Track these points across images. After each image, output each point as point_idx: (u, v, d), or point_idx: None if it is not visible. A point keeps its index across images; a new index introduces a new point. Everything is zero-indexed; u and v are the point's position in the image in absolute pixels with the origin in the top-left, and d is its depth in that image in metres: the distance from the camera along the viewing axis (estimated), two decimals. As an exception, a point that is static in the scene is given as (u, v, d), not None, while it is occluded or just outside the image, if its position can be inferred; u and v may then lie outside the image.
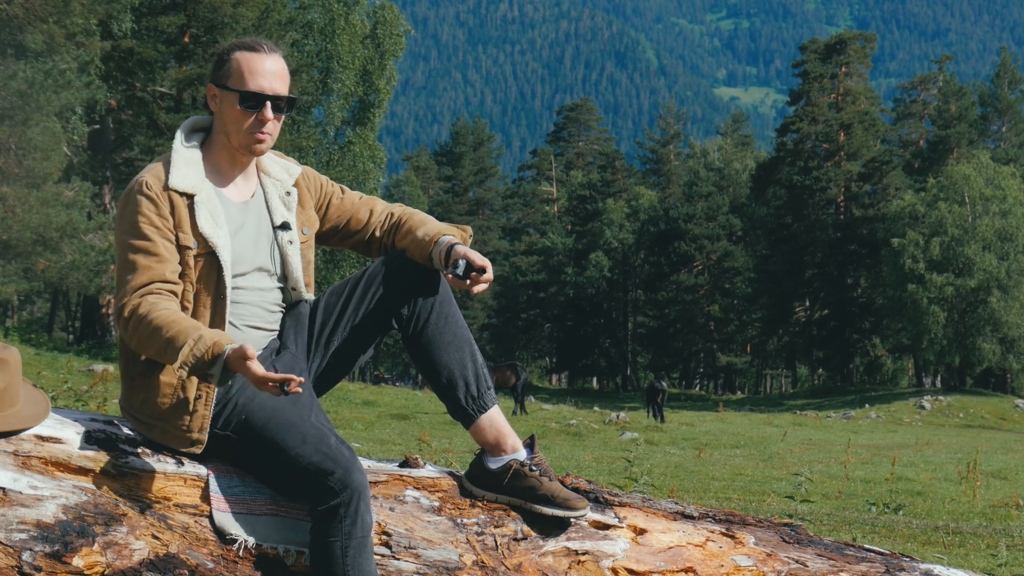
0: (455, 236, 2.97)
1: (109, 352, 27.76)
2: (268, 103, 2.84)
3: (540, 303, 69.91)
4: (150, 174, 2.81)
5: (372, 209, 3.13)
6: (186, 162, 2.84)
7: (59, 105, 23.42)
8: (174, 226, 2.78)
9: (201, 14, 30.29)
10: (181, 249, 2.79)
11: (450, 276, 2.87)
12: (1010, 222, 47.72)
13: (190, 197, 2.81)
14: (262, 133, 2.85)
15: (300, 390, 2.59)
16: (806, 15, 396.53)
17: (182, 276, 2.80)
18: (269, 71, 2.85)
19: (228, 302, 2.84)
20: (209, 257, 2.82)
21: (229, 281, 2.84)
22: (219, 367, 2.59)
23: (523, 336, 71.11)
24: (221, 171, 2.91)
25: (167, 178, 2.80)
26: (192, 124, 2.93)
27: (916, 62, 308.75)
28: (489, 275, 2.87)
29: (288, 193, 3.01)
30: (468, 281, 2.86)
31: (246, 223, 2.92)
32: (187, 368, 2.60)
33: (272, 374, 2.57)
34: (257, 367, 2.57)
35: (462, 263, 2.85)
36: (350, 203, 3.13)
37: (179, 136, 2.89)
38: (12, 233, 22.51)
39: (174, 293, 2.76)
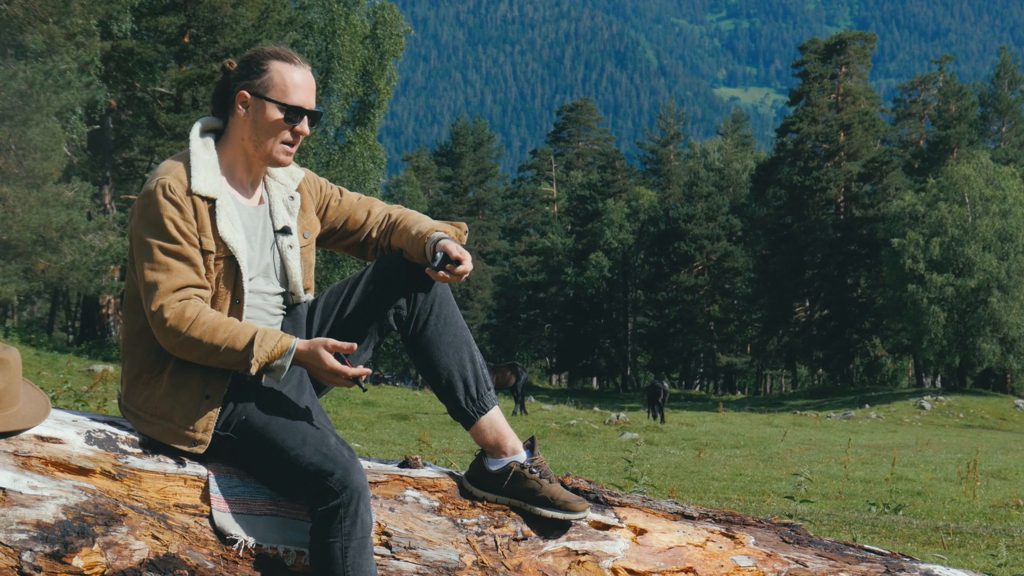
0: (447, 232, 2.98)
1: (109, 352, 27.76)
2: (306, 118, 2.87)
3: (540, 303, 69.92)
4: (171, 176, 2.79)
5: (370, 210, 3.14)
6: (205, 165, 2.84)
7: (59, 105, 23.42)
8: (197, 230, 2.79)
9: (201, 14, 30.29)
10: (203, 253, 2.80)
11: (428, 270, 2.89)
12: (1010, 222, 47.72)
13: (212, 201, 2.82)
14: (293, 147, 2.88)
15: (365, 383, 2.78)
16: (806, 15, 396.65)
17: None
18: (307, 85, 2.88)
19: (245, 306, 2.85)
20: (228, 261, 2.83)
21: (247, 285, 2.85)
22: (288, 359, 2.73)
23: (523, 336, 71.13)
24: (235, 175, 2.92)
25: (189, 182, 2.80)
26: (204, 125, 2.93)
27: (916, 62, 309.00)
28: (464, 267, 2.88)
29: (292, 197, 3.02)
30: (439, 272, 2.88)
31: (257, 227, 2.93)
32: (257, 365, 2.70)
33: (349, 368, 2.73)
34: (333, 362, 2.74)
35: (439, 255, 2.89)
36: (348, 204, 3.13)
37: (196, 138, 2.88)
38: (12, 233, 22.51)
39: (205, 300, 2.79)
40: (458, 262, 2.88)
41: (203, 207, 2.80)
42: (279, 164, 2.90)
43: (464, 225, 3.06)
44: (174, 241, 2.75)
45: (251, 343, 2.70)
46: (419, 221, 3.05)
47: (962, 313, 48.02)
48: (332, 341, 2.75)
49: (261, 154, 2.88)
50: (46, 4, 23.32)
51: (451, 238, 2.96)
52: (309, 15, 33.28)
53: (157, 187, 2.78)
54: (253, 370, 2.70)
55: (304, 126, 2.87)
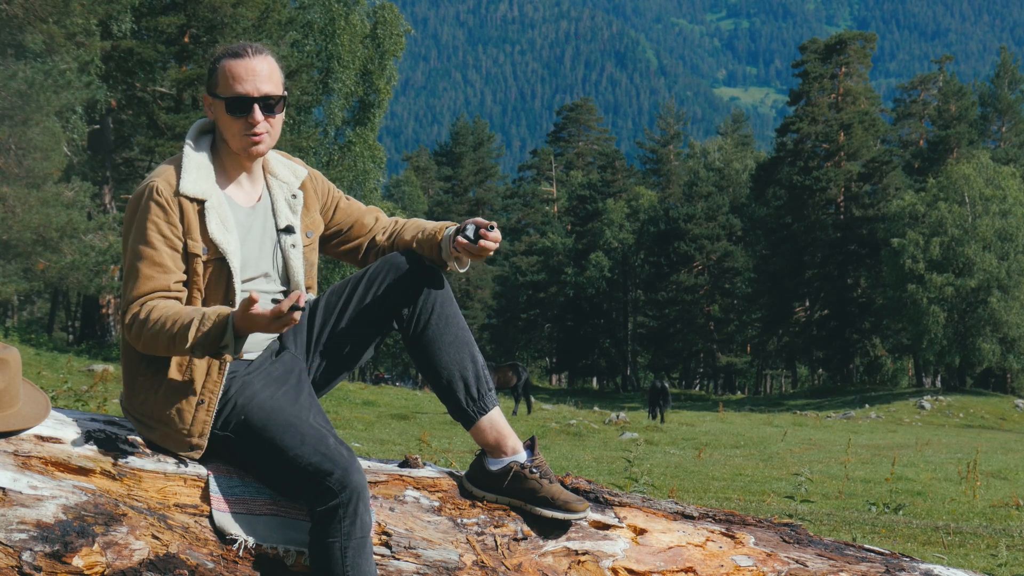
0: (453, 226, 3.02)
1: (109, 352, 27.75)
2: (256, 105, 2.84)
3: (540, 303, 69.91)
4: (160, 179, 2.80)
5: (378, 217, 3.18)
6: (196, 166, 2.84)
7: (59, 105, 23.41)
8: (183, 233, 2.79)
9: (201, 14, 30.28)
10: (190, 257, 2.79)
11: (462, 240, 2.90)
12: (1010, 222, 47.73)
13: (200, 203, 2.82)
14: (256, 135, 2.85)
15: (303, 306, 2.59)
16: (806, 15, 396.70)
17: (191, 283, 2.80)
18: (254, 73, 2.85)
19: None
20: (219, 263, 2.82)
21: (239, 287, 2.84)
22: (229, 335, 2.62)
23: (523, 336, 71.11)
24: (228, 175, 2.92)
25: (178, 183, 2.80)
26: (200, 127, 2.94)
27: (916, 62, 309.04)
28: (497, 234, 2.91)
29: (294, 196, 3.02)
30: (480, 242, 2.90)
31: (253, 227, 2.93)
32: (199, 348, 2.63)
33: (278, 307, 2.57)
34: (262, 309, 2.57)
35: (471, 227, 2.91)
36: (356, 208, 3.16)
37: (189, 140, 2.89)
38: (12, 233, 22.51)
39: (177, 300, 2.77)
40: (492, 227, 2.90)
41: (191, 208, 2.80)
42: (253, 155, 2.89)
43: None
44: (150, 246, 2.75)
45: (190, 325, 2.64)
46: (432, 222, 3.09)
47: (962, 313, 48.02)
48: (256, 299, 2.60)
49: (236, 149, 2.88)
50: (46, 4, 23.31)
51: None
52: (309, 15, 33.29)
53: (145, 190, 2.79)
54: (196, 354, 2.65)
55: (256, 115, 2.84)
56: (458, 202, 73.56)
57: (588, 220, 69.97)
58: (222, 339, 2.62)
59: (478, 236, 2.90)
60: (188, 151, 2.86)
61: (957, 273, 47.76)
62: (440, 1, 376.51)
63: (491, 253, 2.92)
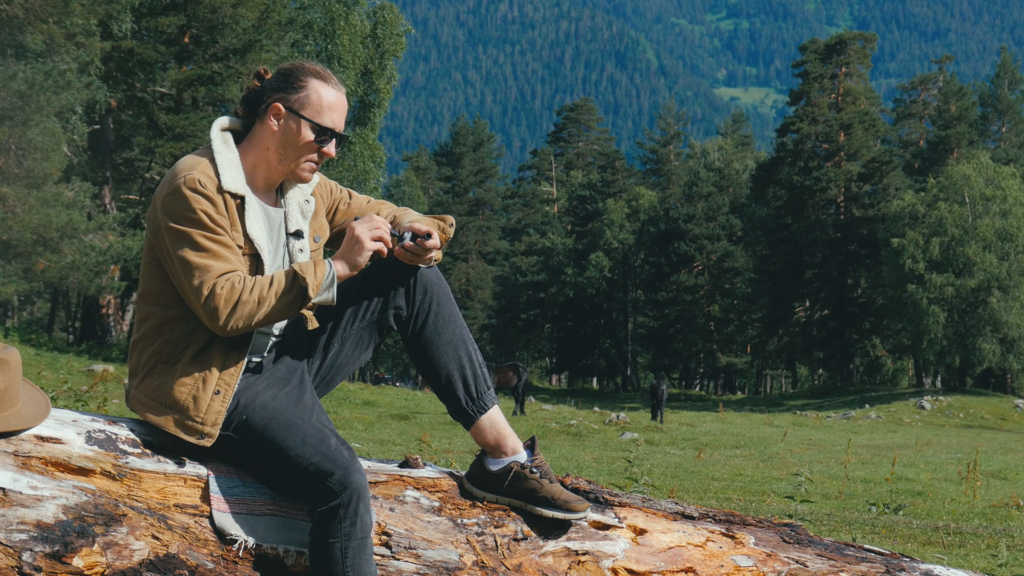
0: (427, 223, 2.98)
1: (109, 352, 27.77)
2: (335, 140, 2.89)
3: (540, 303, 69.93)
4: (199, 172, 2.79)
5: (378, 213, 3.15)
6: (231, 164, 2.85)
7: (59, 105, 23.41)
8: (228, 225, 2.80)
9: (201, 14, 30.28)
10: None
11: (398, 249, 2.91)
12: (1010, 222, 47.74)
13: (241, 199, 2.83)
14: (317, 165, 2.91)
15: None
16: (806, 15, 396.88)
17: None
18: (341, 107, 2.90)
19: None
20: (253, 259, 2.84)
21: None
22: (331, 277, 2.80)
23: (523, 336, 71.13)
24: (255, 179, 2.92)
25: (219, 179, 2.81)
26: (222, 125, 2.93)
27: (916, 62, 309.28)
28: (434, 241, 2.90)
29: (307, 201, 3.03)
30: (422, 252, 2.90)
31: (273, 229, 2.94)
32: (316, 291, 2.78)
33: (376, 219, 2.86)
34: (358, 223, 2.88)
35: (407, 234, 2.90)
36: (357, 207, 3.16)
37: (218, 137, 2.88)
38: (12, 233, 22.51)
39: None
40: (428, 235, 2.89)
41: (232, 204, 2.82)
42: (300, 180, 2.93)
43: (449, 218, 3.04)
44: (214, 231, 2.76)
45: (295, 275, 2.77)
46: (405, 214, 3.07)
47: (962, 313, 48.03)
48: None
49: (284, 168, 2.89)
50: (46, 4, 23.32)
51: (419, 221, 2.98)
52: (309, 15, 33.30)
53: (188, 182, 2.76)
54: (312, 293, 2.77)
55: (331, 148, 2.89)
56: (458, 202, 73.55)
57: (588, 220, 69.99)
58: (326, 276, 2.79)
59: (417, 243, 2.90)
60: (219, 148, 2.86)
61: (957, 273, 47.77)
62: (440, 1, 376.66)
63: (426, 261, 2.93)
